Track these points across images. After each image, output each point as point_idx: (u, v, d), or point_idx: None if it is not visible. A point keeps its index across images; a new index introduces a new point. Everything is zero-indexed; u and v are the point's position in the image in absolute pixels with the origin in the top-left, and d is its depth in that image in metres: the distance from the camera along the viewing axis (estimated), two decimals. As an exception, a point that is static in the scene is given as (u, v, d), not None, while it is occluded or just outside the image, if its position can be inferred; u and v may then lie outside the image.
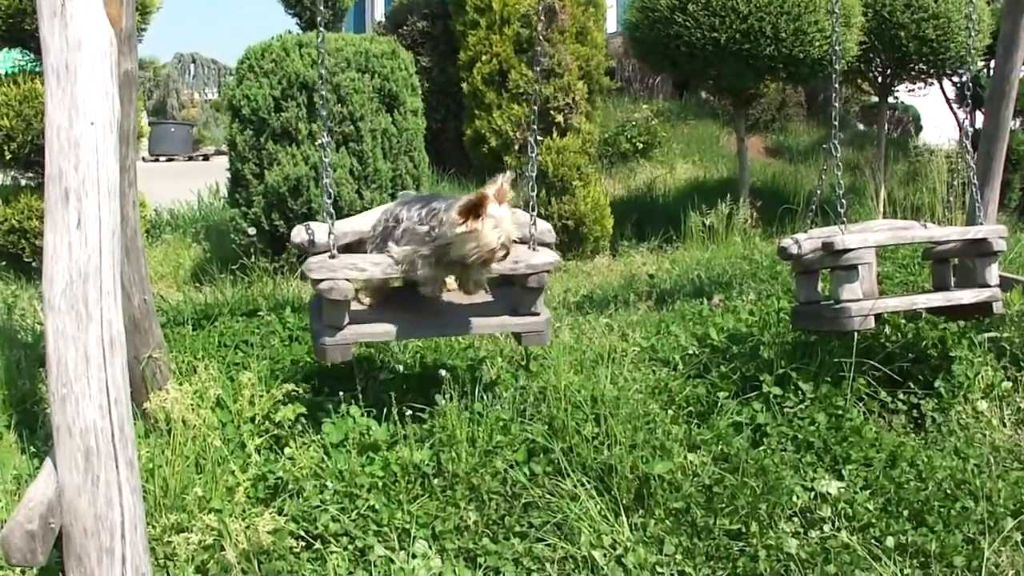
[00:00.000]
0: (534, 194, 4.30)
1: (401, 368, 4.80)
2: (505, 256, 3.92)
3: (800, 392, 4.71)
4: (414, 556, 3.57)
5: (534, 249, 4.23)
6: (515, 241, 4.07)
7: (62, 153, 3.01)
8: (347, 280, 3.92)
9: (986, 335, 5.38)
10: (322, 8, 4.14)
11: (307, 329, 5.46)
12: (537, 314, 4.24)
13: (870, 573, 3.55)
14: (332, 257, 3.98)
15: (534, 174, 4.38)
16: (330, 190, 4.07)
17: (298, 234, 4.14)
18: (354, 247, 4.23)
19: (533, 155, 4.41)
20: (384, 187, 8.35)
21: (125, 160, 3.93)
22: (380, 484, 3.92)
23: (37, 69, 7.88)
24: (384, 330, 4.14)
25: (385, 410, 4.24)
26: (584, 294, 7.46)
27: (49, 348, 2.89)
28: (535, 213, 4.26)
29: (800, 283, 5.01)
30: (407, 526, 3.69)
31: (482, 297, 4.36)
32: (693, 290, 7.18)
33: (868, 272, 5.00)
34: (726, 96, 11.96)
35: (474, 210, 3.76)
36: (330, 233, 3.99)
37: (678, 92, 18.89)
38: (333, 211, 4.01)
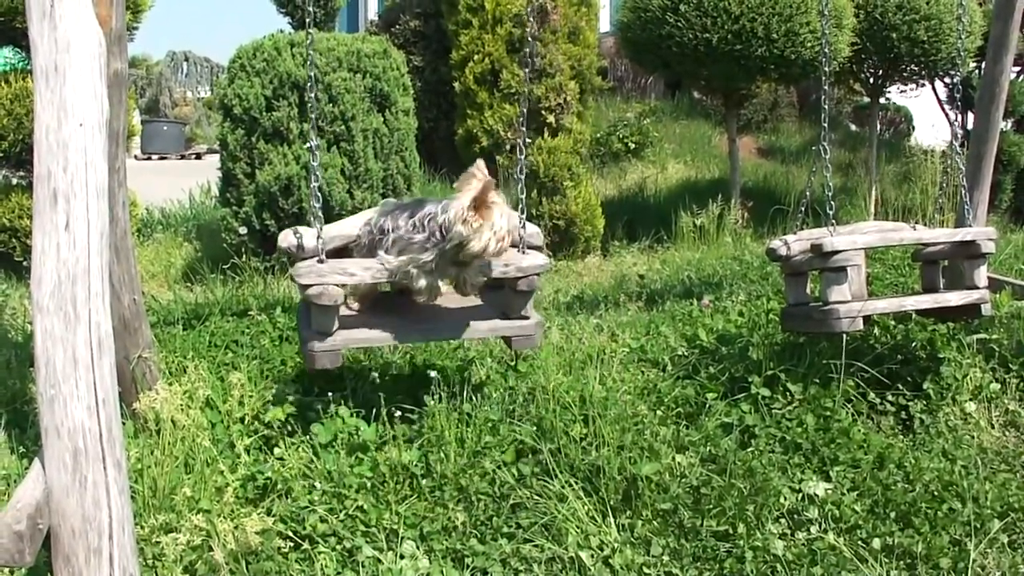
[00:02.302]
0: (523, 196, 4.26)
1: (392, 369, 4.81)
2: (508, 243, 3.91)
3: (789, 393, 4.73)
4: (402, 557, 3.58)
5: (524, 252, 4.18)
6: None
7: (51, 154, 3.00)
8: (336, 285, 3.88)
9: (975, 337, 5.39)
10: (311, 8, 4.14)
11: (297, 330, 5.47)
12: (527, 318, 4.21)
13: (856, 574, 3.57)
14: (321, 262, 3.93)
15: (523, 176, 4.35)
16: (319, 193, 4.03)
17: (285, 239, 4.09)
18: (342, 251, 4.18)
19: (522, 157, 4.37)
20: (375, 187, 8.35)
21: (115, 160, 3.93)
22: (368, 485, 3.92)
23: (29, 68, 7.87)
24: (374, 336, 4.12)
25: (374, 411, 4.24)
26: (574, 294, 7.47)
27: (37, 349, 2.89)
28: (524, 215, 4.21)
29: (789, 284, 5.02)
30: (395, 527, 3.70)
31: (472, 301, 4.35)
32: (683, 291, 7.19)
33: (857, 274, 5.01)
34: (718, 96, 12.00)
35: (482, 202, 3.76)
36: (318, 237, 3.95)
37: (670, 92, 18.91)
38: (322, 215, 3.98)
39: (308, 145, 3.92)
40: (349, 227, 4.28)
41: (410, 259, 3.90)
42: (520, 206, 4.21)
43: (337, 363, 4.04)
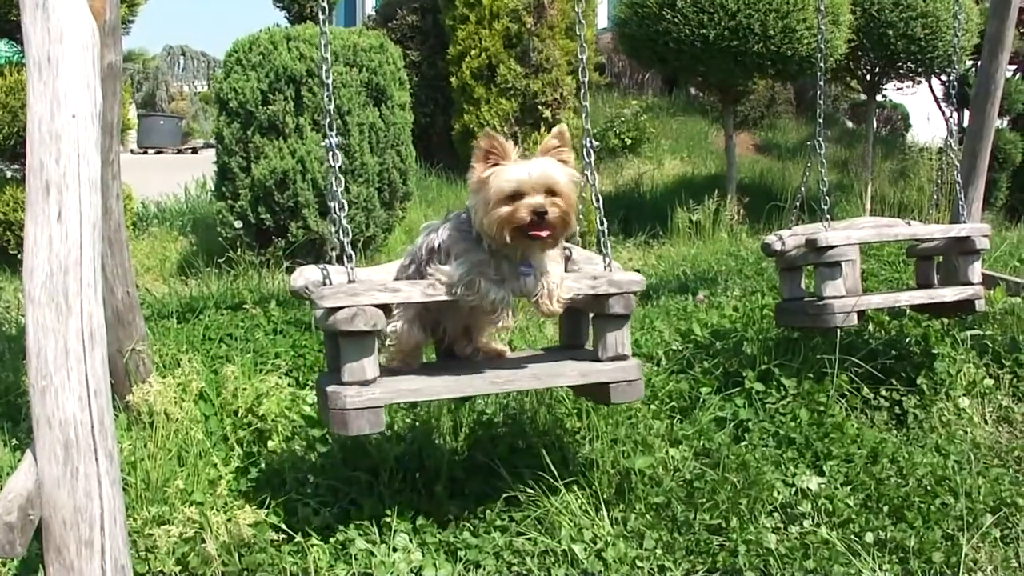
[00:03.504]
0: (602, 211, 3.62)
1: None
2: (541, 214, 3.08)
3: (783, 388, 4.73)
4: (395, 549, 3.57)
5: (609, 269, 3.51)
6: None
7: (43, 146, 3.00)
8: (375, 306, 3.09)
9: (969, 332, 5.40)
10: (320, 2, 3.51)
11: (292, 322, 5.47)
12: (625, 357, 3.47)
13: (849, 569, 3.56)
14: (351, 282, 3.17)
15: (595, 183, 3.66)
16: (342, 200, 3.24)
17: (302, 277, 3.30)
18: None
19: (592, 177, 3.65)
20: (371, 181, 8.36)
21: (108, 153, 3.93)
22: (362, 478, 3.92)
23: (24, 60, 7.88)
24: (430, 386, 3.28)
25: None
26: (570, 289, 7.45)
27: (29, 340, 2.89)
28: (607, 230, 3.62)
29: (784, 280, 5.02)
30: (388, 519, 3.69)
31: (528, 353, 3.80)
32: (678, 286, 7.19)
33: (852, 269, 5.01)
34: (715, 92, 12.00)
35: (487, 153, 3.16)
36: (343, 251, 3.21)
37: (667, 88, 18.93)
38: (348, 228, 3.23)
39: (326, 142, 3.25)
40: (384, 272, 3.54)
41: (472, 265, 3.19)
42: (599, 216, 3.60)
43: (379, 425, 3.15)
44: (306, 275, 3.30)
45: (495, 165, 3.14)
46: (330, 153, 3.26)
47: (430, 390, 3.29)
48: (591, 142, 3.64)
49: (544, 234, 3.12)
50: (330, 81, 3.40)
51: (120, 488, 2.93)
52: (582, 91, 3.76)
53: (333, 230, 3.29)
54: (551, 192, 3.11)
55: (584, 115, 3.77)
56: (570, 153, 3.22)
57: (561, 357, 3.61)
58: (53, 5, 3.09)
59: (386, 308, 3.22)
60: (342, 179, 3.29)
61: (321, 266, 3.33)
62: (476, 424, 4.24)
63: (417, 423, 4.24)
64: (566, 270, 3.47)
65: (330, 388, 3.14)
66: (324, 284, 3.21)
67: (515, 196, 3.09)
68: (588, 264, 3.57)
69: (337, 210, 3.25)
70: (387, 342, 3.41)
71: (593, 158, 3.67)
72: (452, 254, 3.22)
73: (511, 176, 3.09)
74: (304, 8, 11.08)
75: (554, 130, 3.25)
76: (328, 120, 3.32)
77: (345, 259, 3.20)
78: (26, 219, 2.99)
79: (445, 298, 3.21)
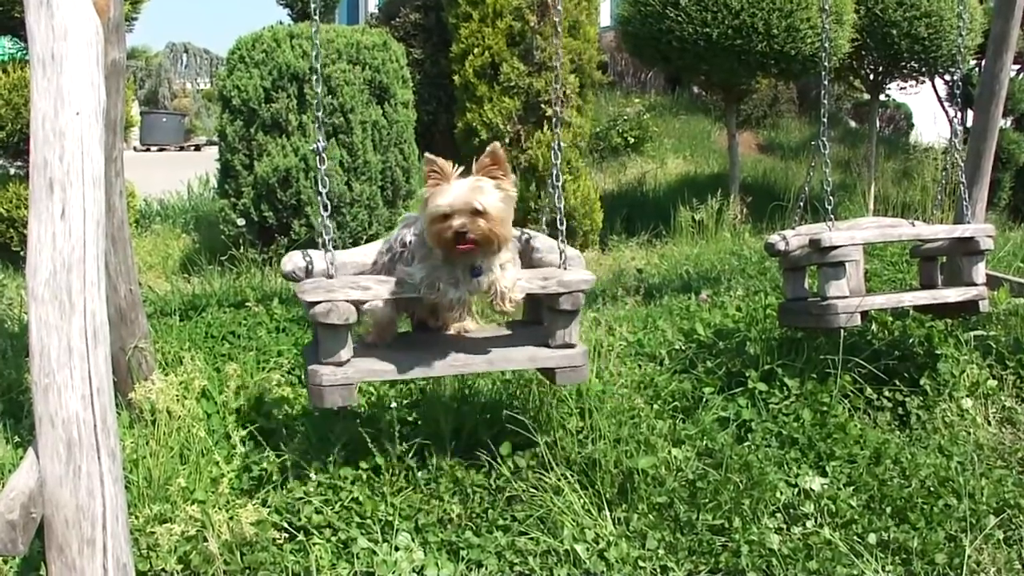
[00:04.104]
0: (560, 204, 3.84)
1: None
2: (482, 220, 3.35)
3: (786, 388, 4.72)
4: (397, 548, 3.57)
5: (565, 267, 3.76)
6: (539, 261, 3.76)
7: (47, 143, 2.99)
8: (348, 301, 3.45)
9: (972, 333, 5.40)
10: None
11: (294, 320, 5.47)
12: (572, 345, 3.75)
13: (852, 570, 3.56)
14: (330, 277, 3.52)
15: (559, 183, 3.90)
16: (326, 200, 3.60)
17: (291, 261, 3.60)
18: None
19: (557, 162, 3.89)
20: (374, 179, 8.35)
21: (111, 150, 3.93)
22: (364, 476, 3.91)
23: (27, 57, 7.88)
24: (393, 366, 3.61)
25: (371, 402, 4.24)
26: (573, 288, 7.44)
27: (32, 338, 2.88)
28: (564, 228, 3.80)
29: (787, 279, 5.02)
30: (390, 518, 3.69)
31: (498, 331, 4.04)
32: (681, 285, 7.18)
33: (855, 269, 5.01)
34: (718, 91, 12.00)
35: (429, 174, 3.46)
36: (324, 246, 3.57)
37: (670, 87, 18.92)
38: (330, 224, 3.61)
39: (315, 147, 3.65)
40: (363, 255, 3.84)
41: (431, 268, 3.50)
42: (559, 217, 3.81)
43: (351, 399, 3.54)
44: (294, 260, 3.60)
45: (437, 185, 3.44)
46: (318, 144, 3.60)
47: (396, 371, 3.61)
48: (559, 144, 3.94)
49: (468, 249, 3.40)
50: (319, 74, 3.46)
51: (122, 486, 2.93)
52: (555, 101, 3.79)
53: (319, 220, 3.64)
54: (476, 213, 3.36)
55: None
56: (504, 169, 3.49)
57: (519, 340, 3.86)
58: (57, 3, 3.08)
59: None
60: (325, 158, 3.64)
61: (304, 252, 3.62)
62: (478, 423, 4.23)
63: (420, 422, 4.23)
64: (530, 255, 3.84)
65: (310, 367, 3.55)
66: (307, 269, 3.55)
67: (445, 217, 3.37)
68: (550, 253, 3.81)
69: (320, 187, 3.61)
70: (364, 317, 3.72)
71: (559, 160, 3.94)
72: (416, 257, 3.55)
73: (441, 201, 3.38)
74: (307, 6, 11.07)
75: (488, 149, 3.49)
76: (317, 123, 3.66)
77: (323, 244, 3.58)
78: (30, 216, 2.99)
79: (411, 295, 3.58)
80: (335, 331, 3.47)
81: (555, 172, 3.88)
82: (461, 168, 3.48)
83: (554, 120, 4.20)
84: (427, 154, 3.49)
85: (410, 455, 4.00)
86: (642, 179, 13.24)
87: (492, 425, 4.23)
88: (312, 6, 3.65)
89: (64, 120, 3.03)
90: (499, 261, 3.51)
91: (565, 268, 3.75)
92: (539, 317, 4.04)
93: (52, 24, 3.08)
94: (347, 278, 3.55)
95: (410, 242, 3.62)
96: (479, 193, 3.38)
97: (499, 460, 4.00)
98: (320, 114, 3.67)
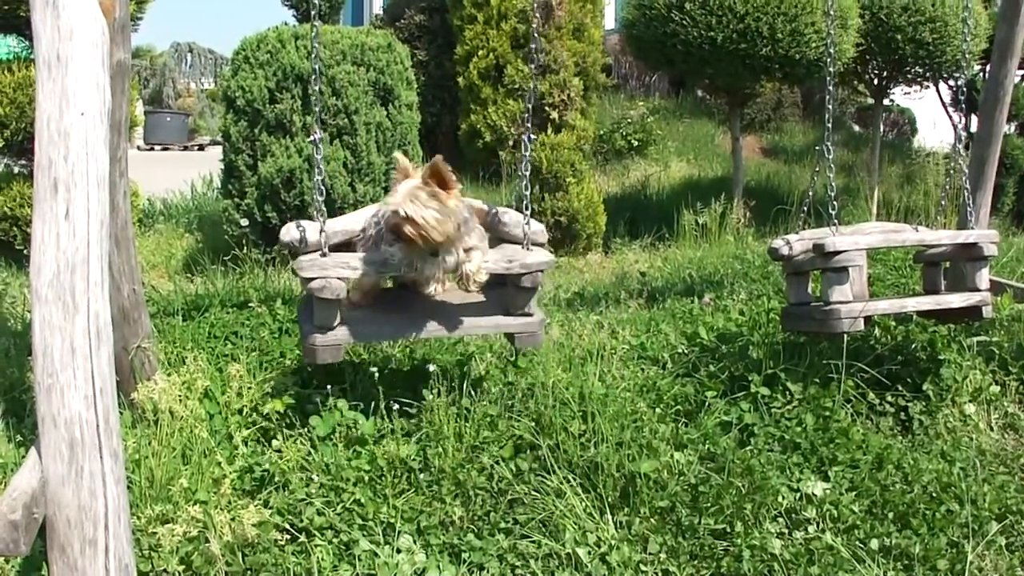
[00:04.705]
0: (528, 192, 4.23)
1: (392, 363, 4.80)
2: (409, 226, 3.75)
3: (788, 393, 4.72)
4: (399, 551, 3.57)
5: (528, 249, 4.16)
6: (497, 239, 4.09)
7: (52, 143, 3.00)
8: (339, 279, 3.85)
9: (975, 339, 5.39)
10: (317, 1, 3.99)
11: (297, 322, 5.46)
12: (531, 315, 4.19)
13: (853, 575, 3.56)
14: (323, 255, 3.90)
15: (527, 172, 4.33)
16: (322, 186, 3.96)
17: (287, 232, 4.01)
18: (344, 246, 4.13)
19: (527, 153, 4.32)
20: (378, 180, 8.35)
21: (116, 150, 3.92)
22: (366, 478, 3.92)
23: (32, 56, 7.89)
24: (375, 331, 4.15)
25: (373, 404, 4.24)
26: (575, 291, 7.45)
27: (35, 338, 2.89)
28: (528, 211, 4.19)
29: (791, 284, 5.01)
30: (392, 520, 3.69)
31: (475, 297, 4.30)
32: (684, 289, 7.18)
33: (859, 274, 5.00)
34: (722, 95, 11.97)
35: (396, 171, 3.90)
36: (321, 231, 3.91)
37: (674, 90, 18.90)
38: (324, 208, 3.94)
39: (312, 138, 3.94)
40: (352, 222, 4.22)
41: (407, 250, 3.87)
42: (525, 202, 4.19)
43: (338, 357, 4.01)
44: (290, 232, 4.00)
45: (399, 182, 3.84)
46: (315, 145, 3.95)
47: (379, 334, 4.25)
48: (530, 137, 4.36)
49: (411, 243, 3.80)
50: (318, 74, 3.60)
51: (124, 487, 2.93)
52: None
53: (314, 190, 3.98)
54: (405, 218, 3.74)
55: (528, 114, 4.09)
56: (444, 181, 3.79)
57: (490, 306, 4.26)
58: (63, 3, 3.09)
59: (353, 246, 4.14)
60: (322, 149, 4.03)
61: (297, 223, 4.02)
62: (480, 424, 4.23)
63: (422, 423, 4.23)
64: (498, 228, 4.25)
65: (305, 328, 4.03)
66: (300, 239, 3.94)
67: (394, 212, 3.78)
68: (516, 228, 4.21)
69: (316, 153, 3.97)
70: (351, 283, 4.12)
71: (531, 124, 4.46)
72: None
73: (389, 198, 3.82)
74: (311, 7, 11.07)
75: (430, 162, 3.78)
76: (316, 121, 3.94)
77: (316, 214, 3.93)
78: (34, 217, 2.99)
79: (393, 273, 4.07)
80: (327, 304, 3.89)
81: (526, 151, 4.31)
82: (423, 168, 3.81)
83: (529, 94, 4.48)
84: (395, 153, 3.96)
85: (412, 457, 4.01)
86: (646, 182, 13.23)
87: (494, 427, 4.24)
88: (313, 4, 3.88)
89: (69, 121, 3.03)
90: (464, 246, 3.93)
91: (528, 248, 4.14)
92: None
93: (58, 25, 3.08)
94: (338, 257, 3.93)
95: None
96: (409, 202, 3.74)
97: (501, 463, 4.00)
98: (317, 110, 4.05)
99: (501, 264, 4.04)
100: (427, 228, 3.75)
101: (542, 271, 4.10)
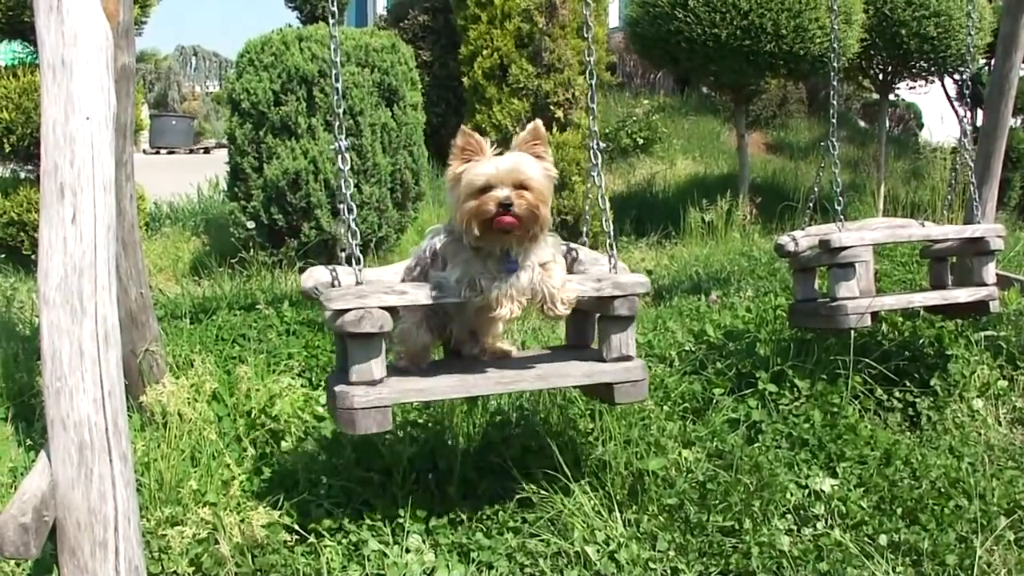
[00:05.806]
0: (607, 207, 3.70)
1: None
2: (506, 206, 3.09)
3: (796, 389, 4.72)
4: (408, 550, 3.57)
5: (615, 270, 3.53)
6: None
7: (57, 148, 3.01)
8: (382, 308, 3.09)
9: (983, 334, 5.38)
10: (334, 9, 3.48)
11: (304, 322, 5.47)
12: (630, 357, 3.50)
13: (862, 571, 3.55)
14: (359, 283, 3.17)
15: (602, 183, 3.75)
16: (351, 203, 3.22)
17: (311, 278, 3.32)
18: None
19: (599, 183, 3.76)
20: (383, 181, 8.37)
21: (122, 154, 3.94)
22: (375, 479, 3.92)
23: (37, 62, 7.90)
24: (437, 385, 3.28)
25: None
26: (582, 290, 7.44)
27: (44, 342, 2.90)
28: (613, 227, 3.64)
29: (797, 280, 5.01)
30: (401, 520, 3.69)
31: (539, 352, 3.82)
32: (691, 286, 7.18)
33: (865, 270, 5.00)
34: (727, 92, 11.98)
35: (462, 150, 3.21)
36: (354, 257, 3.21)
37: (679, 88, 18.89)
38: (357, 230, 3.23)
39: (335, 145, 3.31)
40: (388, 274, 3.55)
41: (466, 266, 3.22)
42: (605, 216, 3.66)
43: (386, 425, 3.17)
44: (316, 276, 3.33)
45: (468, 161, 3.19)
46: (339, 156, 3.29)
47: (436, 390, 3.29)
48: (598, 144, 3.73)
49: (510, 225, 3.13)
50: (340, 85, 3.41)
51: (134, 489, 2.94)
52: (591, 93, 3.77)
53: (343, 231, 3.27)
54: (520, 186, 3.13)
55: (591, 117, 3.78)
56: (545, 147, 3.27)
57: (567, 357, 3.61)
58: (67, 8, 3.09)
59: (394, 310, 3.21)
60: (351, 182, 3.28)
61: (330, 267, 3.35)
62: (489, 425, 4.23)
63: (430, 424, 4.24)
64: (572, 271, 3.53)
65: (338, 388, 3.16)
66: (333, 285, 3.24)
67: (484, 190, 3.12)
68: (594, 265, 3.59)
69: (346, 213, 3.23)
70: (395, 343, 3.45)
71: (600, 160, 3.76)
72: (448, 258, 3.27)
73: (480, 171, 3.13)
74: (316, 8, 11.11)
75: (529, 126, 3.28)
76: (338, 123, 3.39)
77: (353, 261, 3.22)
78: (40, 221, 3.00)
79: (451, 300, 3.24)
80: (367, 342, 3.10)
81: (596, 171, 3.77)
82: (526, 132, 3.27)
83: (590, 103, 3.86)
84: (463, 127, 3.23)
85: (420, 458, 4.01)
86: (651, 180, 13.22)
87: (503, 427, 4.24)
88: (331, 11, 3.49)
89: (74, 125, 3.04)
90: (538, 259, 3.25)
91: (614, 270, 3.51)
92: (582, 340, 3.88)
93: (62, 30, 3.09)
94: (380, 282, 3.25)
95: (438, 251, 3.34)
96: (524, 165, 3.16)
97: (509, 462, 4.00)
98: (340, 111, 3.43)
99: (589, 284, 3.38)
100: (544, 201, 3.17)
101: (639, 295, 3.48)
